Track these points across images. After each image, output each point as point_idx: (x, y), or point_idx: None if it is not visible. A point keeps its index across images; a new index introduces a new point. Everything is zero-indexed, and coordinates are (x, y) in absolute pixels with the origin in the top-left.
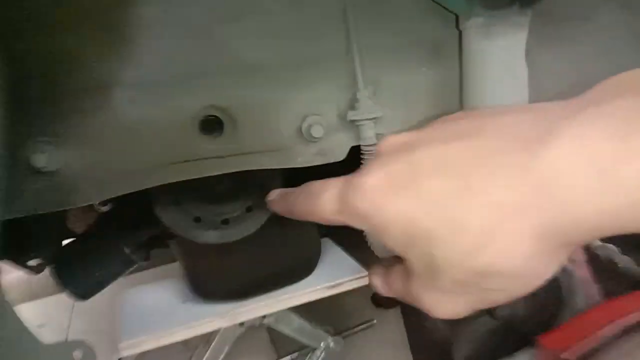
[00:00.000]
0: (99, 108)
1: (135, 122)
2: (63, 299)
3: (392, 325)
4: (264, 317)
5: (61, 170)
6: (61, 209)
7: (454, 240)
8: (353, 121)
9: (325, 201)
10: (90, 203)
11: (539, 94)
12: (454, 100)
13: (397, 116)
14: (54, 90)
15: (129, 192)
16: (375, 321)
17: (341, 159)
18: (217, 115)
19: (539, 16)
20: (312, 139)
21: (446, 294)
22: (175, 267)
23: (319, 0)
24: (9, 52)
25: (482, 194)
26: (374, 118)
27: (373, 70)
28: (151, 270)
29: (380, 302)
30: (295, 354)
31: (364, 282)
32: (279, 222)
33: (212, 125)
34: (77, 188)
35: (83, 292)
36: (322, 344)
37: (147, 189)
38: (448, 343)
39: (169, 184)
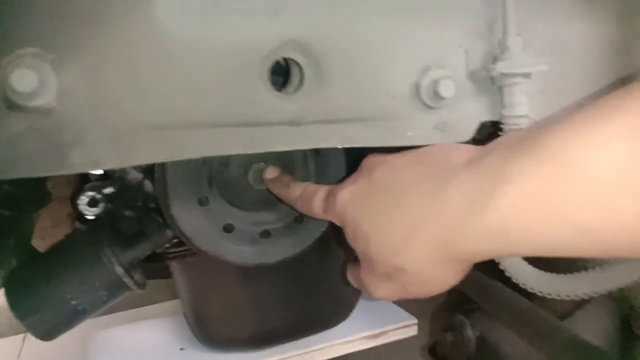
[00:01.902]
0: (131, 12)
1: (185, 47)
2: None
3: None
4: None
5: (59, 107)
6: (52, 173)
7: (381, 243)
8: (499, 77)
9: (315, 204)
10: (101, 168)
11: None
12: (626, 60)
13: (545, 79)
14: None
15: (159, 161)
16: None
17: (466, 139)
18: (294, 58)
19: None
20: (433, 103)
21: (379, 280)
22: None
23: None
24: None
25: (403, 213)
26: (527, 74)
27: (518, 15)
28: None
29: (443, 355)
30: None
31: (412, 332)
32: (319, 247)
33: (286, 73)
34: (81, 140)
35: (49, 327)
36: None
37: (159, 179)
38: None
39: (192, 172)
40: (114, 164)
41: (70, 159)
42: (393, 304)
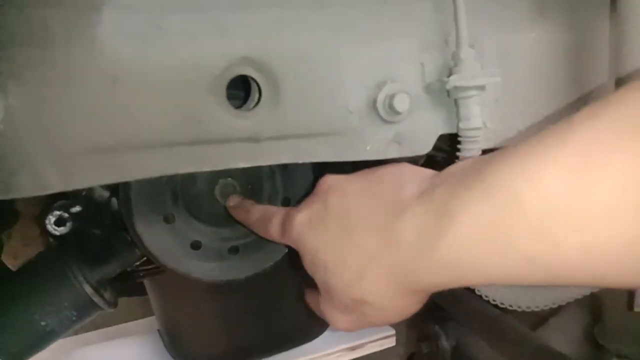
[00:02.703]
0: (72, 36)
1: (129, 69)
2: None
3: None
4: None
5: (4, 131)
6: None
7: (339, 274)
8: (453, 90)
9: (272, 227)
10: (47, 192)
11: None
12: (578, 68)
13: (498, 90)
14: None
15: (108, 182)
16: None
17: (424, 152)
18: (251, 75)
19: None
20: (392, 116)
21: (339, 312)
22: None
23: None
24: None
25: (358, 244)
26: (481, 87)
27: (471, 27)
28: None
29: None
30: None
31: (390, 343)
32: (291, 262)
33: (244, 90)
34: (26, 164)
35: (17, 350)
36: None
37: (124, 197)
38: None
39: (157, 189)
40: (59, 188)
41: (15, 184)
42: None
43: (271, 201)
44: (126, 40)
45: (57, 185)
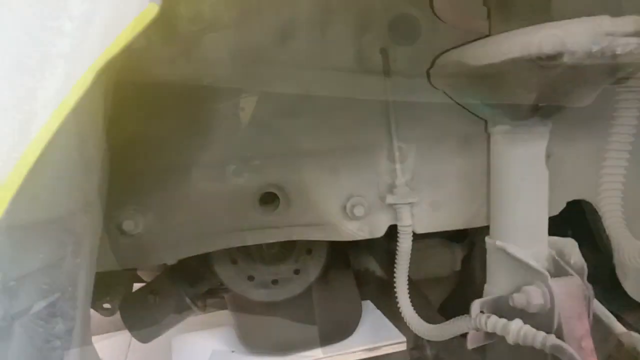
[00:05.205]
0: (178, 183)
1: (207, 195)
2: (119, 337)
3: None
4: None
5: (144, 234)
6: (140, 267)
7: None
8: (391, 204)
9: None
10: (164, 263)
11: (562, 190)
12: (482, 184)
13: (431, 200)
14: (144, 168)
15: (197, 254)
16: None
17: (380, 235)
18: (274, 192)
19: (564, 119)
20: (354, 217)
21: None
22: (226, 314)
23: (366, 102)
24: (110, 137)
25: None
26: (410, 203)
27: (411, 159)
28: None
29: None
30: None
31: (402, 347)
32: (323, 286)
33: (270, 200)
34: (155, 249)
35: (146, 335)
36: None
37: None
38: None
39: None
40: (172, 260)
41: (149, 258)
42: (389, 324)
43: (299, 252)
44: (207, 181)
45: (170, 259)
